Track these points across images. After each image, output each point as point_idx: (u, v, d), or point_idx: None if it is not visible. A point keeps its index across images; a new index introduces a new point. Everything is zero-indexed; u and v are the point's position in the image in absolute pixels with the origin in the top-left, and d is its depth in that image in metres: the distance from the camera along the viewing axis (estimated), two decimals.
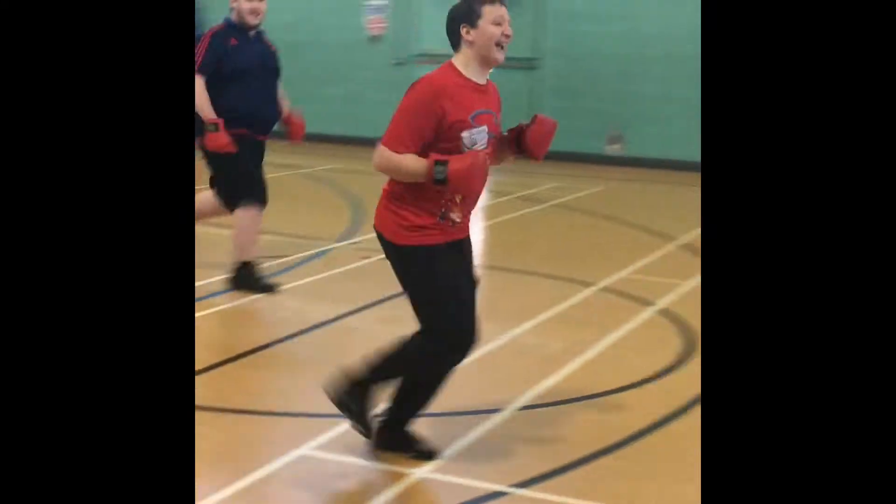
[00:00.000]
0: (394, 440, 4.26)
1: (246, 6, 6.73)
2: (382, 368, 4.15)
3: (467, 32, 3.86)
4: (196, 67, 6.49)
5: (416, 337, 4.09)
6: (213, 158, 6.76)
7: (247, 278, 6.96)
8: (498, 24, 3.87)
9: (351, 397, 4.15)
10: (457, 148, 3.88)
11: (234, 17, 6.78)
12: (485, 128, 3.95)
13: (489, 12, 3.87)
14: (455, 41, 3.92)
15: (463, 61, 3.92)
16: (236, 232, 6.94)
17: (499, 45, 3.90)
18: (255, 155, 6.89)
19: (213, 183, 6.93)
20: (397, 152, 3.86)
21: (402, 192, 3.97)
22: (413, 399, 4.20)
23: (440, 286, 4.01)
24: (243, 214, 6.85)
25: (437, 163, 3.80)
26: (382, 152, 3.90)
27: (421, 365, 4.15)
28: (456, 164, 3.80)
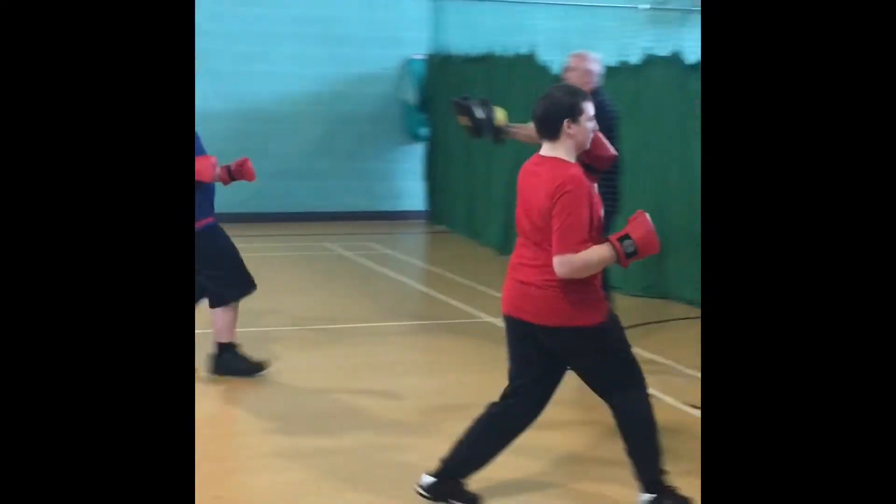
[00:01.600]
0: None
1: None
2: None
3: (569, 126, 4.07)
4: None
5: (624, 404, 4.20)
6: (209, 257, 6.16)
7: (231, 361, 6.46)
8: (591, 119, 4.15)
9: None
10: (597, 229, 4.10)
11: None
12: None
13: (588, 109, 4.13)
14: (554, 132, 4.10)
15: (567, 151, 4.12)
16: (217, 314, 6.40)
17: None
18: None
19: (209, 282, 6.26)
20: (579, 251, 3.97)
21: (581, 278, 4.05)
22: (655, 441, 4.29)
23: (627, 345, 4.25)
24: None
25: (621, 240, 4.00)
26: (571, 260, 3.98)
27: (650, 411, 4.25)
28: (637, 231, 4.03)
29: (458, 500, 4.29)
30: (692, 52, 9.83)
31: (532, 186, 4.15)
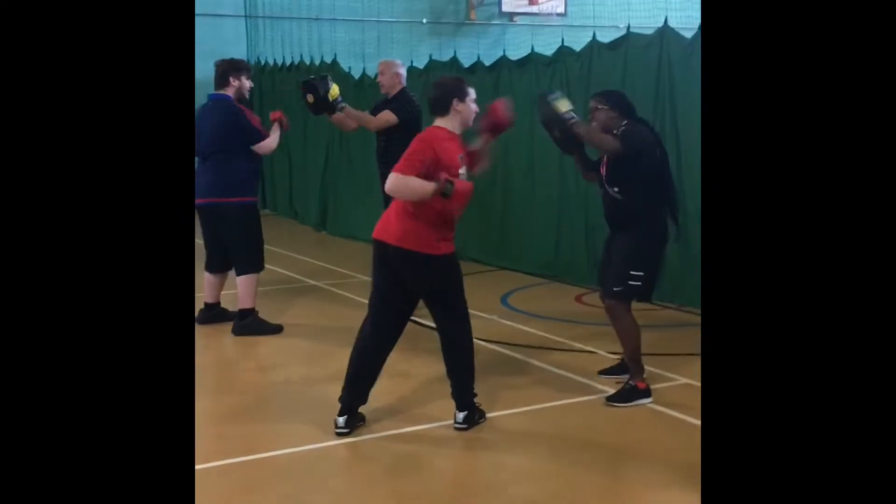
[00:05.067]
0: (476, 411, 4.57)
1: (248, 84, 6.52)
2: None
3: (457, 104, 4.35)
4: (262, 135, 6.45)
5: (456, 327, 4.44)
6: (246, 228, 6.46)
7: (253, 324, 6.49)
8: (474, 101, 4.43)
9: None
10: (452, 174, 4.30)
11: (233, 93, 6.46)
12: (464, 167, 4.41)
13: (471, 93, 4.43)
14: (444, 107, 4.38)
15: (453, 125, 4.40)
16: (243, 284, 6.50)
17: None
18: None
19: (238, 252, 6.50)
20: (406, 175, 4.19)
21: (428, 213, 4.26)
22: (472, 368, 4.54)
23: (461, 281, 4.46)
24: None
25: (448, 181, 4.19)
26: (397, 177, 4.18)
27: (471, 342, 4.52)
28: (459, 185, 4.25)
29: (361, 423, 4.53)
30: (466, 57, 10.17)
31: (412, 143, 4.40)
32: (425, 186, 4.21)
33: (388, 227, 4.37)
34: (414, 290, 4.46)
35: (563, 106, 4.79)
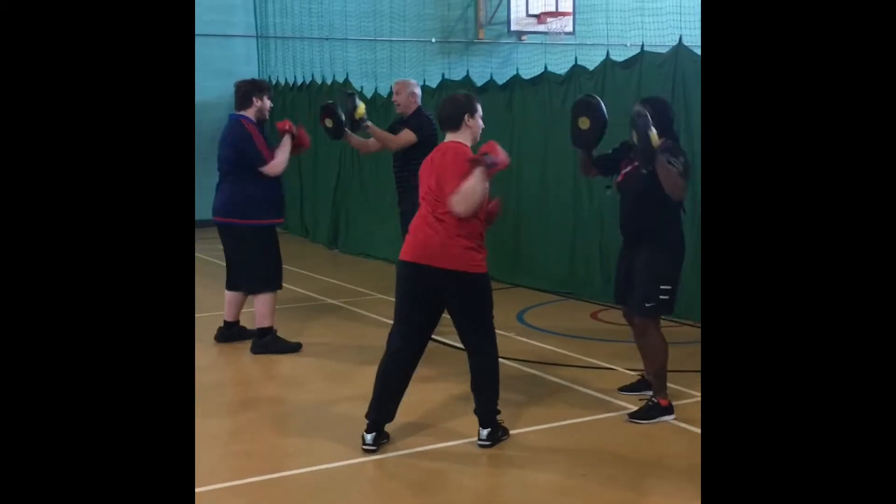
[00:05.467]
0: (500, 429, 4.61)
1: (269, 104, 6.53)
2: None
3: (468, 119, 4.49)
4: (265, 158, 6.31)
5: (486, 344, 4.50)
6: (256, 250, 6.41)
7: (272, 342, 6.50)
8: (481, 117, 4.59)
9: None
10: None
11: (255, 112, 6.44)
12: None
13: (479, 109, 4.59)
14: (457, 123, 4.51)
15: (463, 137, 4.51)
16: (260, 303, 6.51)
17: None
18: None
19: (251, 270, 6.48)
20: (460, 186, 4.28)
21: (471, 234, 4.36)
22: (497, 386, 4.59)
23: (493, 299, 4.54)
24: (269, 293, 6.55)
25: (483, 154, 4.28)
26: (459, 191, 4.26)
27: (497, 360, 4.57)
28: (495, 151, 4.31)
29: (386, 440, 4.55)
30: (476, 76, 10.22)
31: (441, 161, 4.44)
32: (474, 179, 4.26)
33: (430, 249, 4.36)
34: (452, 308, 4.47)
35: (656, 140, 4.68)
